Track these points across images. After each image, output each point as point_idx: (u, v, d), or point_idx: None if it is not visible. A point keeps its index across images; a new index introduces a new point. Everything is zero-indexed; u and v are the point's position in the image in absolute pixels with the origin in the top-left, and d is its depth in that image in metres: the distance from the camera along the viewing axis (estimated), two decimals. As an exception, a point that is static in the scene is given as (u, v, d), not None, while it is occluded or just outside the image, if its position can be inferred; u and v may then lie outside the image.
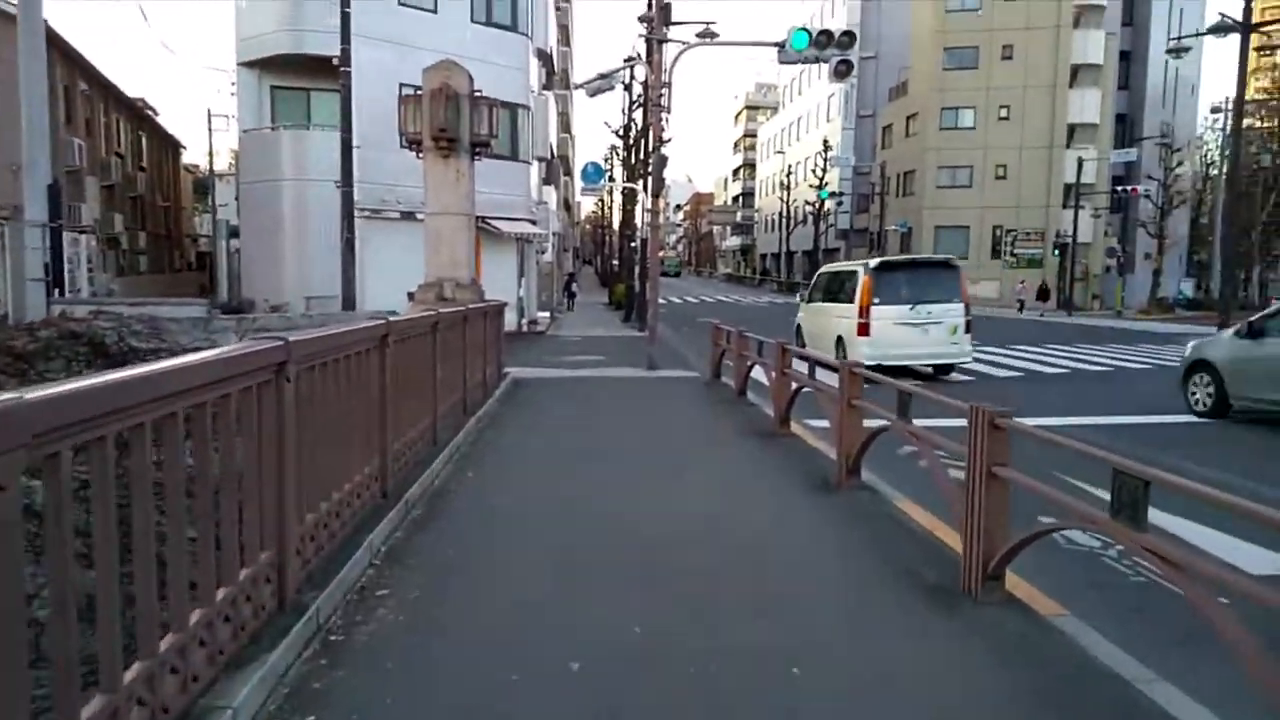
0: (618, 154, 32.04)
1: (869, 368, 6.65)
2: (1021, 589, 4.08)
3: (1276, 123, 56.73)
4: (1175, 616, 3.95)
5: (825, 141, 53.19)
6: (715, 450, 7.67)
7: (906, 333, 12.61)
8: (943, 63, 44.18)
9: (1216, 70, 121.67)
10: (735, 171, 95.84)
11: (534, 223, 22.64)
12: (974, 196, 43.94)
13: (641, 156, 25.85)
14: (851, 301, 12.92)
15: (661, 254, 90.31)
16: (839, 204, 50.85)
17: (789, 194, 59.74)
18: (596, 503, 5.70)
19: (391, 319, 5.41)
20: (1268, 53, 75.30)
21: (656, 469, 6.78)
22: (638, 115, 27.89)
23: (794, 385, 8.15)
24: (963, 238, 44.19)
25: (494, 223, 20.14)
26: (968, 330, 13.00)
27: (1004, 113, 43.75)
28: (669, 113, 13.50)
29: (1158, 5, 51.88)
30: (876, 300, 12.53)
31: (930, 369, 13.38)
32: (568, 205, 53.27)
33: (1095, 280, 44.90)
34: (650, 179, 14.53)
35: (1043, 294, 38.31)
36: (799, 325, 15.77)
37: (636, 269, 24.55)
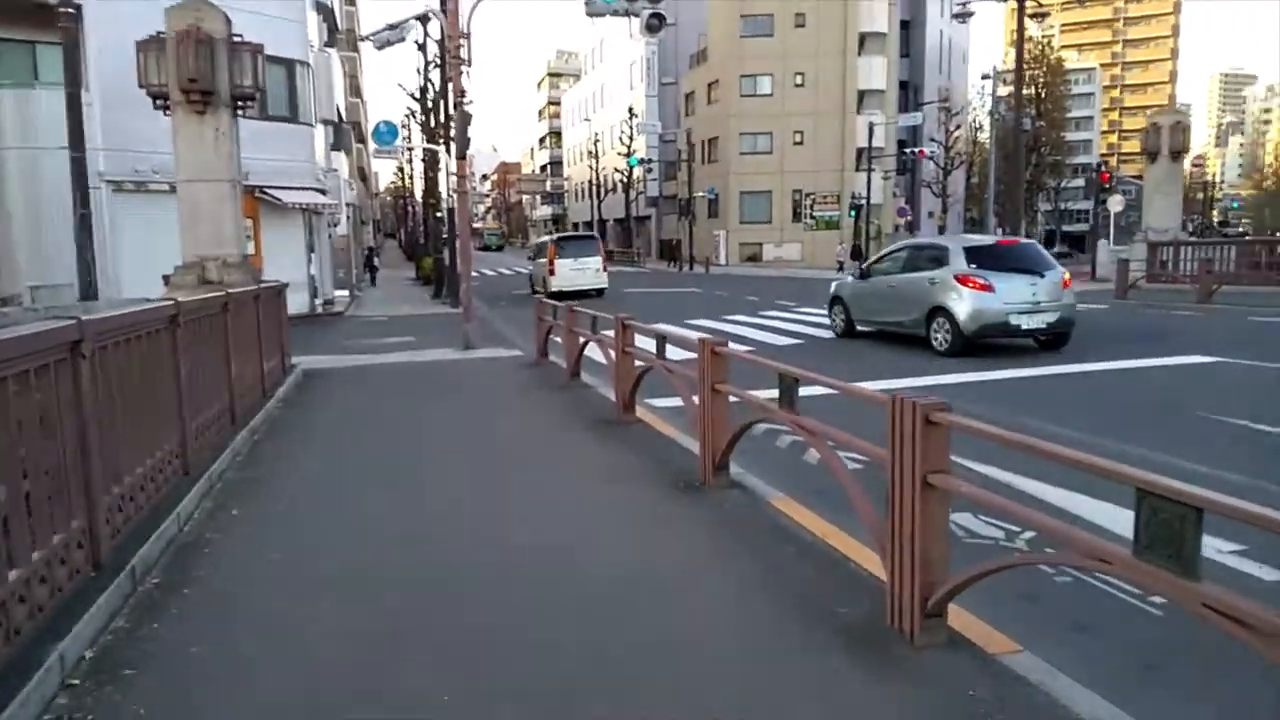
0: (415, 118, 29.73)
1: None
2: (962, 619, 3.23)
3: (1033, 90, 62.39)
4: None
5: (630, 109, 52.72)
6: (551, 449, 6.52)
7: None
8: (740, 30, 44.70)
9: (984, 39, 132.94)
10: (542, 140, 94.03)
11: (323, 192, 20.32)
12: (774, 162, 45.04)
13: (442, 120, 23.95)
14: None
15: (481, 225, 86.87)
16: (649, 171, 50.66)
17: (598, 162, 59.00)
18: (396, 552, 4.39)
19: (100, 317, 3.88)
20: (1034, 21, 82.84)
21: (480, 480, 5.58)
22: (435, 77, 25.86)
23: (639, 365, 7.16)
24: (766, 202, 45.29)
25: (274, 193, 17.78)
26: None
27: (799, 79, 44.96)
28: (470, 66, 12.05)
29: (931, -22, 55.27)
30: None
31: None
32: (363, 175, 49.73)
33: (887, 239, 47.44)
34: (454, 140, 13.00)
35: (856, 254, 39.84)
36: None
37: (446, 240, 22.79)
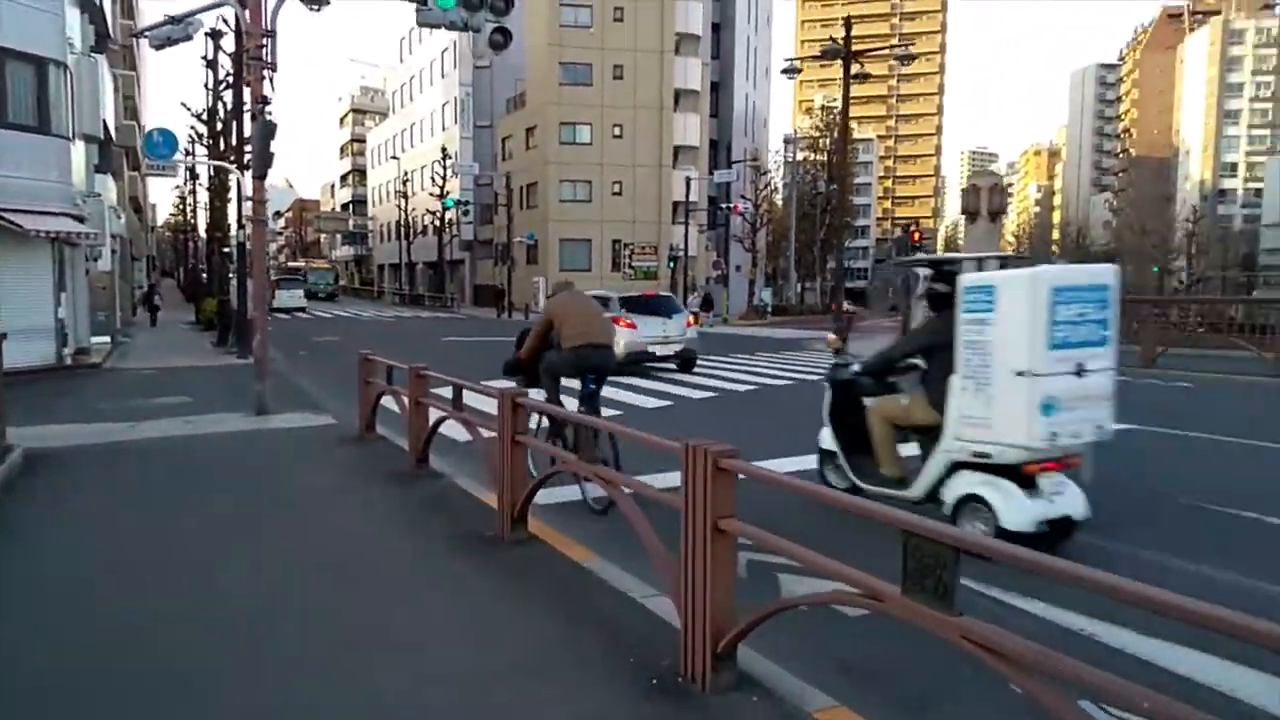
0: (201, 141, 26.44)
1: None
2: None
3: (825, 156, 66.71)
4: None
5: (444, 149, 50.74)
6: (411, 608, 4.10)
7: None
8: (559, 77, 44.27)
9: (780, 106, 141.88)
10: (344, 177, 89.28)
11: (80, 219, 17.09)
12: (595, 210, 44.66)
13: (233, 143, 21.22)
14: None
15: (302, 264, 77.82)
16: (465, 214, 48.72)
17: (407, 202, 56.25)
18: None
19: None
20: (818, 87, 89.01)
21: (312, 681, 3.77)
22: (228, 97, 23.03)
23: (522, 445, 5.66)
24: (586, 250, 44.70)
25: (13, 217, 14.59)
26: None
27: (618, 131, 45.06)
28: (274, 70, 10.13)
29: (739, 43, 57.89)
30: None
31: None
32: (137, 206, 44.31)
33: (702, 290, 48.25)
34: (252, 157, 10.92)
35: (707, 304, 39.44)
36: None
37: (234, 278, 19.95)
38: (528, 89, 47.45)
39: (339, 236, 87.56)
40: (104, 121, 20.80)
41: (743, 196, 52.18)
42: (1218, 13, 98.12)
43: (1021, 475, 4.94)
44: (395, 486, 6.66)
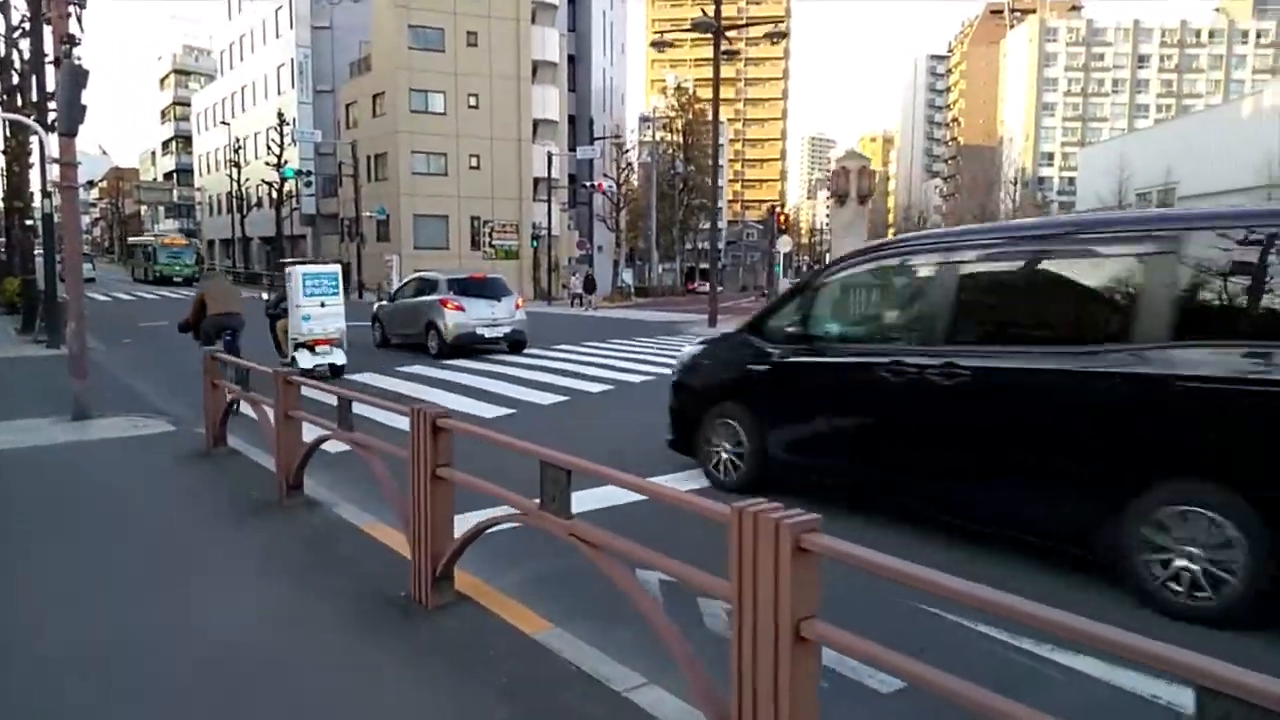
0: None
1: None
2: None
3: (680, 137, 66.85)
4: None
5: (280, 115, 46.90)
6: None
7: None
8: (409, 41, 41.74)
9: (635, 85, 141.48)
10: (166, 144, 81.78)
11: None
12: (451, 185, 42.58)
13: (34, 98, 18.34)
14: None
15: (153, 239, 67.36)
16: (307, 185, 45.20)
17: (239, 172, 51.78)
18: None
19: None
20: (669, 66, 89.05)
21: None
22: (25, 46, 19.86)
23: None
24: (443, 227, 42.60)
25: None
26: None
27: (473, 101, 43.07)
28: (83, 8, 8.39)
29: (595, 17, 56.79)
30: None
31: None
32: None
33: (564, 271, 47.21)
34: (58, 111, 9.09)
35: (589, 285, 36.79)
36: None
37: (40, 255, 17.28)
38: (373, 53, 44.51)
39: (162, 209, 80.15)
40: None
41: (605, 175, 51.43)
42: (1034, 11, 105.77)
43: (311, 345, 11.84)
44: (265, 523, 5.27)
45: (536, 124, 45.64)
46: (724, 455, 6.01)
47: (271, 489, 5.72)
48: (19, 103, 20.15)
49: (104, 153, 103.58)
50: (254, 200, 52.16)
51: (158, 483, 6.43)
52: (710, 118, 23.24)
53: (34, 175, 19.43)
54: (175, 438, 7.85)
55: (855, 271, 5.65)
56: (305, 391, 5.70)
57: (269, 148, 45.69)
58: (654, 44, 27.80)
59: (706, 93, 42.85)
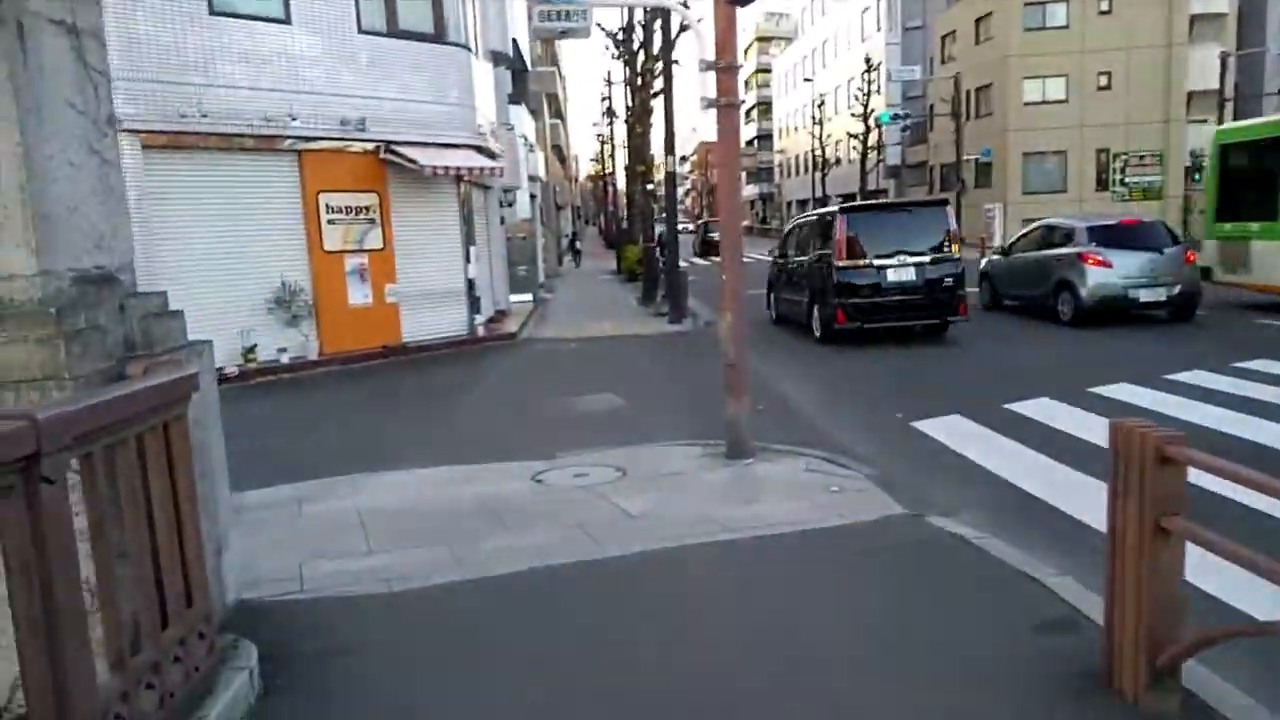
0: (620, 57, 22.72)
1: None
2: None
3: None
4: None
5: (867, 60, 43.58)
6: None
7: None
8: (1022, -58, 34.52)
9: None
10: (748, 113, 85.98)
11: (491, 154, 13.68)
12: (1072, 113, 34.49)
13: (654, 52, 16.85)
14: None
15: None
16: (905, 129, 41.06)
17: (821, 129, 50.17)
18: None
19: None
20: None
21: None
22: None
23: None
24: (1059, 166, 34.91)
25: (406, 151, 11.29)
26: None
27: (1105, 4, 34.16)
28: None
29: None
30: None
31: None
32: (561, 155, 44.12)
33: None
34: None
35: None
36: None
37: (659, 224, 15.67)
38: (978, -31, 38.17)
39: (743, 176, 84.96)
40: (514, 42, 17.58)
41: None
42: None
43: None
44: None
45: (1193, 20, 34.76)
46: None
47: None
48: (638, 67, 19.22)
49: (694, 130, 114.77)
50: (833, 158, 50.35)
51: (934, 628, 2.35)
52: None
53: (654, 136, 18.27)
54: (894, 526, 3.71)
55: None
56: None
57: (854, 98, 42.75)
58: None
59: None
